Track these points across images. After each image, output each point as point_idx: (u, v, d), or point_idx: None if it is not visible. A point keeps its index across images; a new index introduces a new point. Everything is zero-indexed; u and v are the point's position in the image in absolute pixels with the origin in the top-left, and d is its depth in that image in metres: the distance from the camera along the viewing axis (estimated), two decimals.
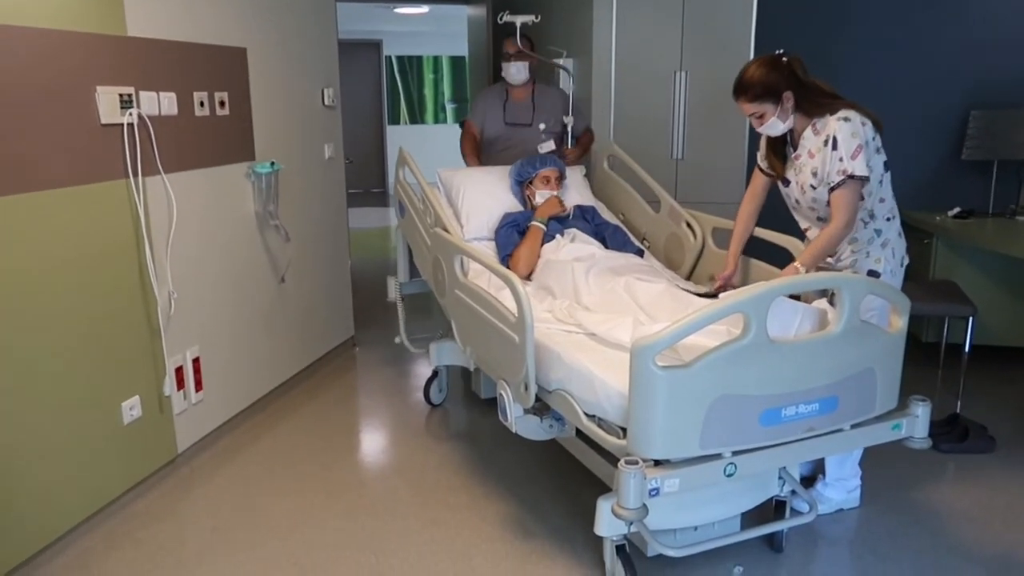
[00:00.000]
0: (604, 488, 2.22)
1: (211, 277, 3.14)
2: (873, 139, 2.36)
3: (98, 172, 2.53)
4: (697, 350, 1.94)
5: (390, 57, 10.68)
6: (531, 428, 2.42)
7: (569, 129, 3.83)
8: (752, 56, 4.42)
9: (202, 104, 3.01)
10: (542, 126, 3.84)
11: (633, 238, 3.30)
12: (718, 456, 1.97)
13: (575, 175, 3.51)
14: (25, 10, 2.24)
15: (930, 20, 4.36)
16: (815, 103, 2.38)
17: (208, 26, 3.06)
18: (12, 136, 2.22)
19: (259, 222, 3.42)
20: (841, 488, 2.69)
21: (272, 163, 3.37)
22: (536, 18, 3.79)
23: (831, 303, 2.15)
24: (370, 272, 6.27)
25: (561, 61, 4.84)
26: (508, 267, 2.94)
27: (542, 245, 3.00)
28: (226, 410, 3.30)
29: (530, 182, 3.23)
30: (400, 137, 10.35)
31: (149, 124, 2.70)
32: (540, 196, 3.17)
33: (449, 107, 11.14)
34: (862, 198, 2.35)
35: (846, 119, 2.31)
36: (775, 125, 2.42)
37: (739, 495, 2.30)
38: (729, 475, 2.00)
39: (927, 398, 2.25)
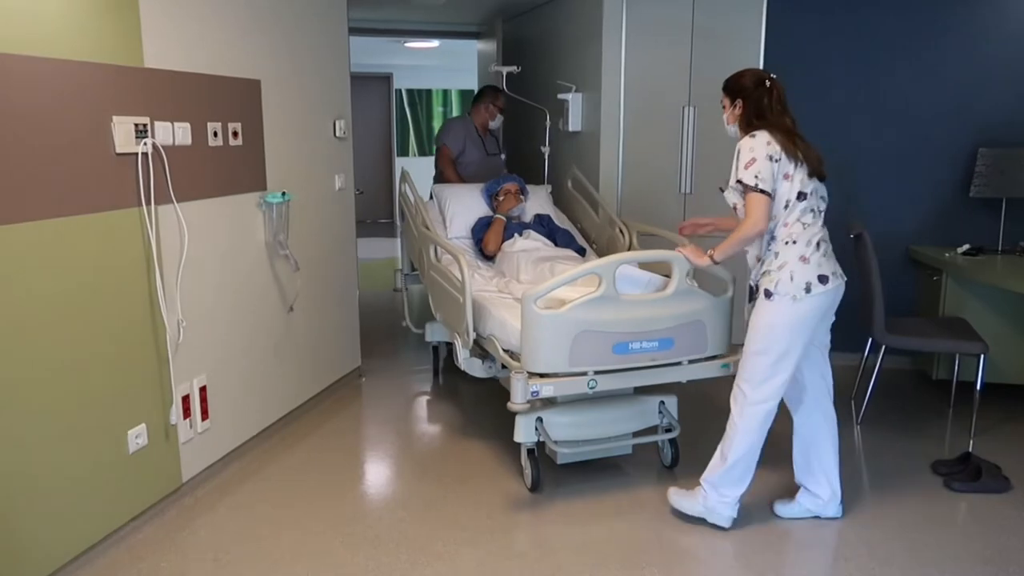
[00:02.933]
0: None
1: (220, 305, 3.14)
2: (777, 160, 2.54)
3: (112, 200, 2.55)
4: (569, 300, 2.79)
5: (400, 90, 10.81)
6: (475, 367, 3.25)
7: (546, 156, 4.95)
8: None
9: (216, 134, 3.04)
10: (503, 157, 5.20)
11: (580, 239, 4.14)
12: (584, 374, 2.79)
13: (540, 191, 4.41)
14: (45, 41, 2.28)
15: (938, 58, 4.39)
16: (752, 124, 2.64)
17: (223, 58, 3.10)
18: (29, 164, 2.24)
19: (269, 251, 3.44)
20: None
21: (283, 193, 3.39)
22: (517, 68, 4.99)
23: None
24: (376, 303, 6.27)
25: (569, 96, 4.90)
26: (481, 249, 3.94)
27: (503, 242, 3.87)
28: (232, 439, 3.28)
29: (497, 194, 4.12)
30: (408, 168, 10.42)
31: (163, 153, 2.72)
32: (504, 202, 4.07)
33: None
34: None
35: (752, 135, 2.59)
36: (725, 123, 2.77)
37: (627, 420, 3.13)
38: (591, 388, 2.83)
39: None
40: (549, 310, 2.76)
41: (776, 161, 2.54)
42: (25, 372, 2.27)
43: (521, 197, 4.11)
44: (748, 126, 2.64)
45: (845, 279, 2.66)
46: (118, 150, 2.55)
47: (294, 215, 3.55)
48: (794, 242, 2.58)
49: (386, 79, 10.68)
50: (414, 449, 3.50)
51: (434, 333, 4.19)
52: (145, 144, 2.64)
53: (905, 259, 4.51)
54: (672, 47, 4.52)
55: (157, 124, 2.72)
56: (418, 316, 4.61)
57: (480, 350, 3.24)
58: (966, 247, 4.17)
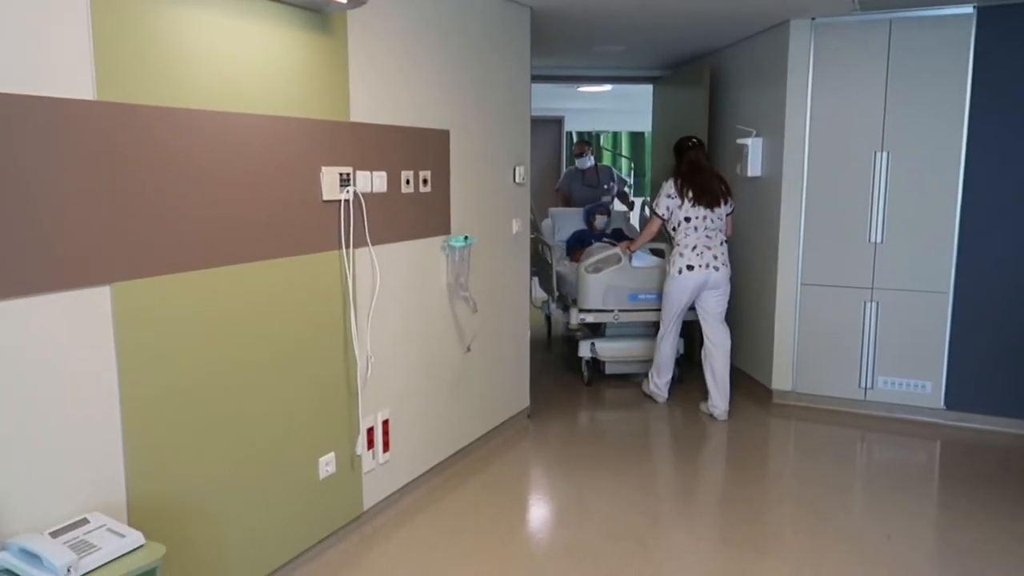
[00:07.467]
0: None
1: (405, 344, 3.30)
2: (672, 198, 4.37)
3: (317, 243, 2.77)
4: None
5: (570, 132, 10.99)
6: (557, 313, 5.62)
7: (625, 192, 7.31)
8: (965, 136, 4.13)
9: (408, 182, 3.23)
10: (605, 187, 6.95)
11: None
12: (612, 311, 4.85)
13: (619, 216, 6.54)
14: (270, 100, 2.53)
15: None
16: (676, 172, 4.46)
17: (418, 111, 3.30)
18: (253, 210, 2.49)
19: (450, 293, 3.58)
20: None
21: (466, 237, 3.53)
22: (594, 132, 7.19)
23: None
24: (541, 340, 6.34)
25: (749, 141, 4.77)
26: (571, 257, 5.75)
27: (591, 245, 5.61)
28: (409, 472, 3.42)
29: (593, 212, 5.97)
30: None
31: (362, 200, 2.93)
32: (598, 220, 5.89)
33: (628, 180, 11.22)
34: (674, 228, 4.45)
35: (668, 180, 4.44)
36: None
37: (651, 349, 4.86)
38: (616, 319, 4.89)
39: None
40: (592, 273, 4.88)
41: (671, 198, 4.37)
42: (246, 398, 2.49)
43: (610, 216, 6.11)
44: (674, 173, 4.45)
45: (717, 270, 4.32)
46: (324, 197, 2.77)
47: (474, 258, 3.69)
48: (678, 244, 4.39)
49: (558, 122, 10.89)
50: (579, 495, 3.48)
51: (546, 307, 6.22)
52: (348, 192, 2.85)
53: None
54: (864, 87, 4.30)
55: (358, 173, 2.93)
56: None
57: (563, 303, 5.45)
58: None
